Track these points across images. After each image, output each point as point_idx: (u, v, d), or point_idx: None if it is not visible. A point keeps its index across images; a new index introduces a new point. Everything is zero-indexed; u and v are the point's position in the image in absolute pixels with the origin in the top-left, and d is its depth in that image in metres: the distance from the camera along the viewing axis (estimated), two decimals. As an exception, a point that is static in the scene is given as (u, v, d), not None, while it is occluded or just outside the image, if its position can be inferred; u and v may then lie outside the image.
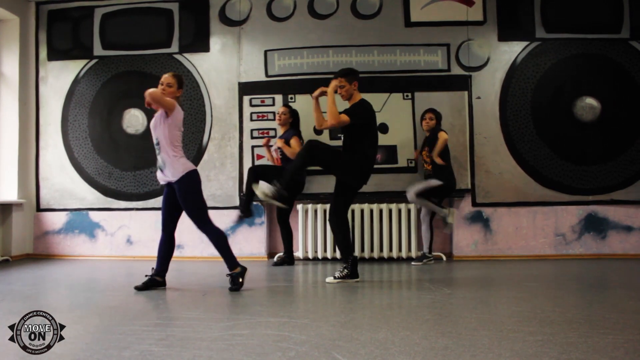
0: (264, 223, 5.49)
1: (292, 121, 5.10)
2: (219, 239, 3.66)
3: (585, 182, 5.31)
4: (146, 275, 3.74)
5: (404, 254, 5.23)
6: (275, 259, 5.20)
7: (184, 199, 3.61)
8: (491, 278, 4.18)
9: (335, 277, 3.98)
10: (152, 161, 5.61)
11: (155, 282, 3.73)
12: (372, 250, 5.27)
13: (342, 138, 4.15)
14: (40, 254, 5.73)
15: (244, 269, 3.68)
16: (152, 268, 3.76)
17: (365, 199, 5.21)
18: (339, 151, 4.14)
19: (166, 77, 3.67)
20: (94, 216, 5.69)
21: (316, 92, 4.04)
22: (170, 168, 3.59)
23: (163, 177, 3.65)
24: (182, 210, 3.71)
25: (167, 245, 3.75)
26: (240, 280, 3.63)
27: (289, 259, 5.06)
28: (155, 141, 3.65)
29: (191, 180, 3.61)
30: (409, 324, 2.64)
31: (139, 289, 3.65)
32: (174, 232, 3.78)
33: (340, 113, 3.92)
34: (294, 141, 4.91)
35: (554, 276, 4.29)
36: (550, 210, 5.30)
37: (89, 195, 5.70)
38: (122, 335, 2.46)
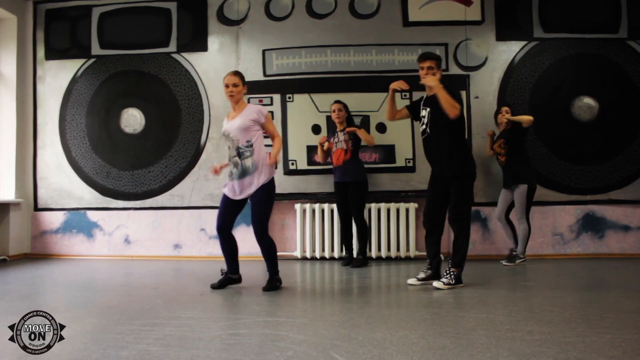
0: (262, 222, 5.48)
1: (347, 116, 4.94)
2: (270, 248, 3.69)
3: (583, 182, 5.32)
4: (222, 275, 3.77)
5: (402, 254, 5.23)
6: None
7: (260, 202, 3.58)
8: (489, 277, 4.18)
9: (444, 284, 3.63)
10: (150, 161, 5.63)
11: (231, 280, 3.77)
12: (369, 249, 5.26)
13: (433, 134, 3.69)
14: (37, 253, 5.71)
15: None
16: (221, 269, 3.80)
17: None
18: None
19: (229, 78, 3.60)
20: (92, 216, 5.68)
21: (398, 85, 3.65)
22: (259, 172, 3.57)
23: (243, 189, 3.59)
24: (240, 211, 3.72)
25: (228, 245, 3.75)
26: (278, 284, 3.72)
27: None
28: (246, 143, 3.58)
29: (273, 187, 3.65)
30: (406, 323, 2.65)
31: (214, 287, 3.70)
32: (231, 232, 3.76)
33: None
34: (362, 131, 4.80)
35: (551, 276, 4.30)
36: (548, 210, 5.31)
37: (86, 195, 5.69)
38: (120, 335, 2.46)
